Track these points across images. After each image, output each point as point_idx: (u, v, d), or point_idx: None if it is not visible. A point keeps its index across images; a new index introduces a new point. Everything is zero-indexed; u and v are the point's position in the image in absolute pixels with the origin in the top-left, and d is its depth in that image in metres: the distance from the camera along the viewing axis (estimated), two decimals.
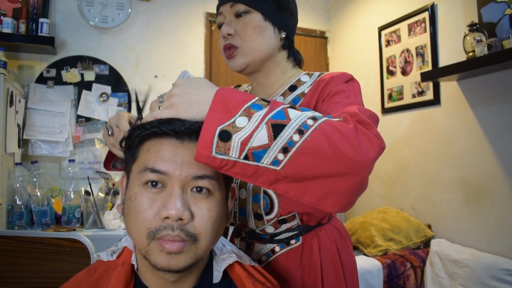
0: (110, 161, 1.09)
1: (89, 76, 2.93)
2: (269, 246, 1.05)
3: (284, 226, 1.02)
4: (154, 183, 0.74)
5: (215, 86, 0.79)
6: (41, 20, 2.59)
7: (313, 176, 0.70)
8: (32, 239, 1.83)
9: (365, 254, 2.55)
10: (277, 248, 1.04)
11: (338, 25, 3.65)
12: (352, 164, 0.69)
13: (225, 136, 0.70)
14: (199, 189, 0.75)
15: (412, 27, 2.84)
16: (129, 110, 2.97)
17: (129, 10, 3.02)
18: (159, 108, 0.78)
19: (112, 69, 3.00)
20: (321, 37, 3.71)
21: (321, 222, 1.05)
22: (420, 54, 2.77)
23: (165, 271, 0.73)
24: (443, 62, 2.61)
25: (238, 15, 1.02)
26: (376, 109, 3.15)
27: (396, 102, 2.98)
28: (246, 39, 1.01)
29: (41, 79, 2.81)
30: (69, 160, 2.70)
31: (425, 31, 2.73)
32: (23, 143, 2.68)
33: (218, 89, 0.77)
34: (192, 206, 0.74)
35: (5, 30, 2.49)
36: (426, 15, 2.71)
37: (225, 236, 1.20)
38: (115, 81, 2.99)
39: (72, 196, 2.38)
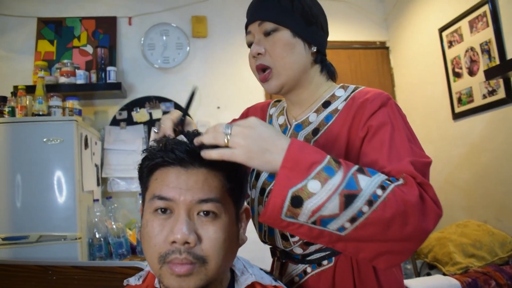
0: None
1: (157, 114, 3.15)
2: (301, 266, 1.03)
3: (313, 247, 0.99)
4: (163, 210, 0.78)
5: (284, 135, 0.78)
6: (108, 68, 2.86)
7: (373, 240, 0.74)
8: (102, 269, 1.99)
9: (444, 273, 2.35)
10: (308, 269, 1.01)
11: (397, 33, 3.52)
12: (413, 234, 0.74)
13: (297, 202, 0.71)
14: (206, 213, 0.78)
15: (473, 23, 2.64)
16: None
17: (188, 48, 3.22)
18: (226, 141, 0.75)
19: (177, 105, 3.18)
20: (382, 47, 3.59)
21: None
22: (485, 50, 2.56)
23: None
24: (511, 55, 2.38)
25: (267, 34, 1.01)
26: (446, 115, 2.95)
27: (467, 106, 2.76)
28: (277, 58, 1.00)
29: (115, 121, 3.08)
30: None
31: (488, 26, 2.51)
32: (102, 181, 2.93)
33: (291, 141, 0.75)
34: (199, 230, 0.76)
35: (79, 81, 2.79)
36: (486, 8, 2.51)
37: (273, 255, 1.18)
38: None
39: None
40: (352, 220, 0.71)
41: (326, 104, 1.04)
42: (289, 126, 1.09)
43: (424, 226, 0.74)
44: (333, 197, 0.71)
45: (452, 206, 2.95)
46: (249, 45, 1.06)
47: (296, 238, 0.98)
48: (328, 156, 0.75)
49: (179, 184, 0.77)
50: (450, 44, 2.88)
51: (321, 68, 1.08)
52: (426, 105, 3.20)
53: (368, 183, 0.73)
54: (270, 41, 1.00)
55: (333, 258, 0.99)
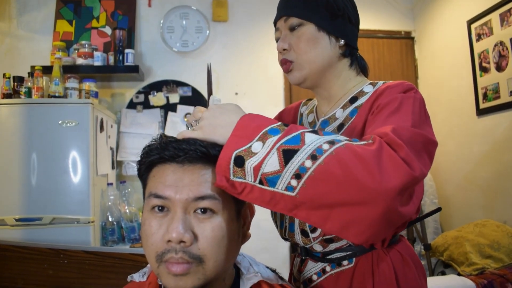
0: None
1: (174, 98, 3.12)
2: (320, 265, 1.01)
3: (333, 246, 0.97)
4: (160, 208, 0.77)
5: (242, 111, 0.82)
6: (126, 51, 2.84)
7: (331, 203, 0.69)
8: (113, 255, 2.00)
9: (459, 274, 2.29)
10: (328, 268, 1.00)
11: (424, 24, 3.39)
12: (368, 192, 0.66)
13: (240, 162, 0.72)
14: (203, 210, 0.76)
15: (505, 16, 2.52)
16: None
17: (207, 32, 3.16)
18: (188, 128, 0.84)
19: (194, 90, 3.15)
20: (407, 37, 3.48)
21: (374, 246, 0.96)
22: None
23: None
24: None
25: (292, 29, 1.02)
26: (471, 111, 2.85)
27: (492, 102, 2.65)
28: (300, 52, 1.01)
29: (132, 105, 3.06)
30: None
31: None
32: (117, 164, 2.94)
33: (244, 115, 0.79)
34: (195, 228, 0.75)
35: (97, 63, 2.77)
36: None
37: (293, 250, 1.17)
38: (197, 101, 3.13)
39: None
40: (297, 176, 0.69)
41: (353, 99, 1.02)
42: (317, 123, 1.09)
43: (385, 183, 0.65)
44: (271, 153, 0.71)
45: (471, 204, 2.88)
46: (277, 41, 1.07)
47: (316, 234, 0.96)
48: (280, 123, 0.77)
49: (175, 182, 0.76)
50: (479, 37, 2.76)
51: (351, 62, 1.06)
52: (450, 100, 3.10)
53: (314, 139, 0.71)
54: (295, 36, 1.01)
55: (354, 259, 0.97)
